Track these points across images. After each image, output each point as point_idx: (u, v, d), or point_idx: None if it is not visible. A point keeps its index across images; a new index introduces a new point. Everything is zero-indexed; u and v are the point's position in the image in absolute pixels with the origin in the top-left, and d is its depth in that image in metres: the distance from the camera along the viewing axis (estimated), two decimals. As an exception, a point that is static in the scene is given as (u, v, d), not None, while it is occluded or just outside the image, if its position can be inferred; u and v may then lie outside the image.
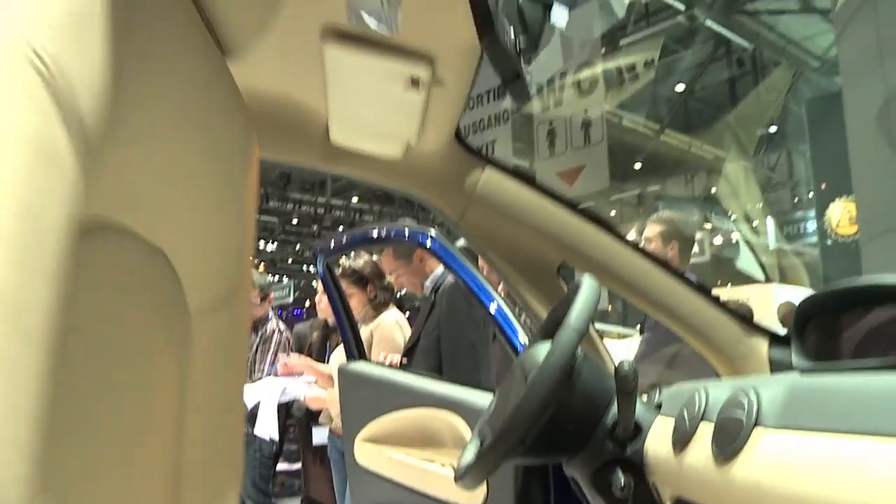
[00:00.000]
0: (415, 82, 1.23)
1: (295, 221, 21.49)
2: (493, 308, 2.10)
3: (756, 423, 0.86)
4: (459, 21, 1.08)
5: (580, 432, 1.24)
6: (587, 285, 1.24)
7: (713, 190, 18.56)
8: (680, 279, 1.70)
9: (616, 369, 1.17)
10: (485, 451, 1.19)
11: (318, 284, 4.15)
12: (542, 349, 1.27)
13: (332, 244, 2.87)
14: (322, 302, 3.98)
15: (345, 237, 2.82)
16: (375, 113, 1.40)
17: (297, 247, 24.70)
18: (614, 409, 1.24)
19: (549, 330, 1.45)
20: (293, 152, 1.59)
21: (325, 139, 1.51)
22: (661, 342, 2.95)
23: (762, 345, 1.67)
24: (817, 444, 0.75)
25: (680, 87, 15.30)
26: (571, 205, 1.68)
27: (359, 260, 3.61)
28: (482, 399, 1.95)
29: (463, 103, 1.38)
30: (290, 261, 26.81)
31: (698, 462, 0.96)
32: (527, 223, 1.66)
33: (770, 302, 13.30)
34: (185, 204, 0.69)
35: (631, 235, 4.05)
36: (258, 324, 4.59)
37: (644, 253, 1.72)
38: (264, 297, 4.66)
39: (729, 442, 0.88)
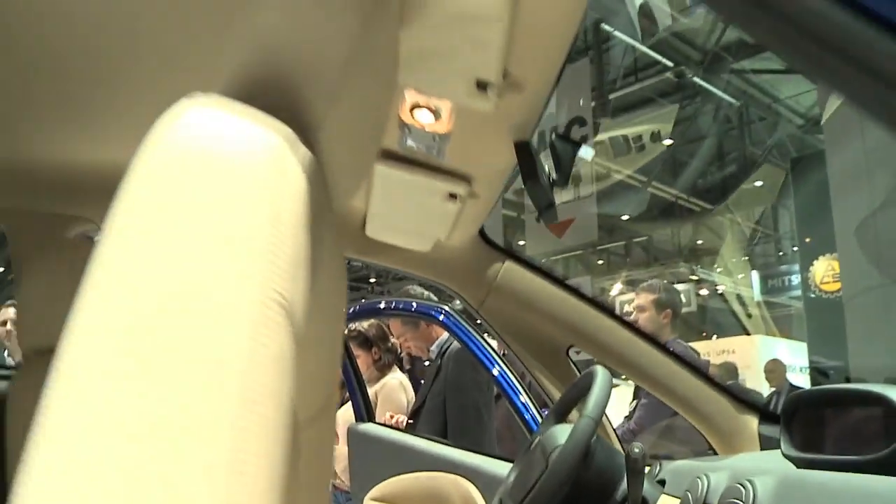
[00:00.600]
0: (452, 196, 1.40)
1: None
2: (496, 371, 2.28)
3: None
4: (498, 147, 1.26)
5: (594, 506, 1.40)
6: (601, 377, 1.40)
7: (699, 242, 18.84)
8: (677, 360, 1.86)
9: (627, 452, 1.34)
10: None
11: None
12: (561, 431, 1.43)
13: (350, 311, 3.07)
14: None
15: (357, 306, 3.01)
16: (412, 217, 1.57)
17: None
18: (623, 485, 1.39)
19: (561, 411, 1.62)
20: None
21: (361, 232, 1.68)
22: (658, 412, 3.10)
23: (753, 422, 1.83)
24: None
25: (667, 141, 15.64)
26: (579, 293, 1.86)
27: (364, 322, 3.76)
28: (494, 466, 2.10)
29: (491, 208, 1.56)
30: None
31: None
32: (540, 310, 1.83)
33: (754, 354, 13.51)
34: None
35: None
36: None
37: (644, 335, 1.89)
38: None
39: None
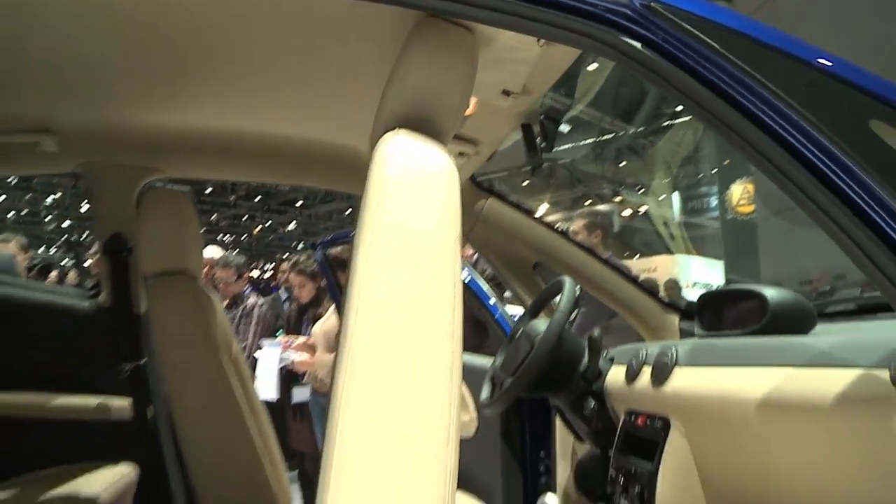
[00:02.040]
0: (461, 154, 1.93)
1: (208, 191, 21.69)
2: (465, 277, 2.83)
3: (676, 364, 1.60)
4: (503, 125, 1.78)
5: (564, 376, 1.96)
6: (569, 283, 1.96)
7: (622, 164, 19.52)
8: (617, 271, 2.43)
9: (589, 335, 1.91)
10: (510, 387, 1.90)
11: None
12: (540, 322, 1.99)
13: (329, 239, 3.61)
14: (305, 287, 4.69)
15: (333, 235, 3.56)
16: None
17: (213, 217, 24.90)
18: (584, 361, 1.96)
19: (535, 309, 2.18)
20: (341, 184, 2.30)
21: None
22: (595, 316, 3.69)
23: (675, 319, 2.42)
24: (717, 373, 1.49)
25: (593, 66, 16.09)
26: (544, 223, 2.41)
27: (338, 247, 4.26)
28: (471, 359, 2.67)
29: (484, 162, 2.09)
30: (203, 230, 27.02)
31: (644, 389, 1.69)
32: (515, 236, 2.38)
33: (675, 271, 14.37)
34: None
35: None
36: (237, 299, 5.20)
37: (592, 253, 2.45)
38: (239, 276, 5.27)
39: (661, 374, 1.62)
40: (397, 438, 0.83)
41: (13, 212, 22.64)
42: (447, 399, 0.85)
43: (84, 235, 23.98)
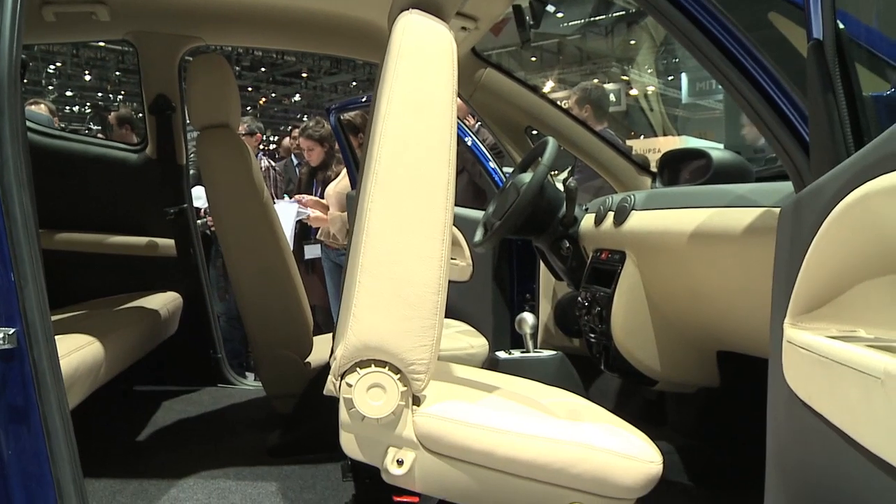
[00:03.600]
0: (463, 29, 2.25)
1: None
2: (469, 142, 3.16)
3: (633, 208, 1.97)
4: (498, 2, 2.11)
5: (545, 221, 2.33)
6: (552, 142, 2.30)
7: (632, 42, 19.33)
8: (599, 137, 2.77)
9: (566, 186, 2.27)
10: (498, 227, 2.27)
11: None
12: (526, 176, 2.35)
13: (341, 104, 3.94)
14: (314, 151, 4.99)
15: (342, 101, 3.90)
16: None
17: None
18: (562, 209, 2.33)
19: (524, 165, 2.54)
20: (360, 53, 2.63)
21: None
22: (587, 179, 4.03)
23: (647, 180, 2.78)
24: (663, 213, 1.85)
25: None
26: (536, 90, 2.74)
27: (351, 112, 4.55)
28: (465, 212, 3.04)
29: (482, 35, 2.40)
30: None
31: (608, 229, 2.06)
32: (509, 102, 2.71)
33: (676, 152, 14.48)
34: None
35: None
36: (251, 162, 5.51)
37: (577, 120, 2.78)
38: (251, 135, 5.54)
39: (621, 216, 1.99)
40: (407, 227, 1.24)
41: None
42: (444, 198, 1.25)
43: (85, 107, 23.92)
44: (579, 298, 2.21)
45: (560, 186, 2.48)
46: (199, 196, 3.43)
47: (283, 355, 2.48)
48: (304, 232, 4.93)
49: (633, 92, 19.06)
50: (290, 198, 5.04)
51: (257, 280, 2.44)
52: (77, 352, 1.80)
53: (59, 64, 21.19)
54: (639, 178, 2.78)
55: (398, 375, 1.25)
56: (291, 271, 2.51)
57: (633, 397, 2.34)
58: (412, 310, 1.24)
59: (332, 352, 1.51)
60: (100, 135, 9.51)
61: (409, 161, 1.26)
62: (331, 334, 2.32)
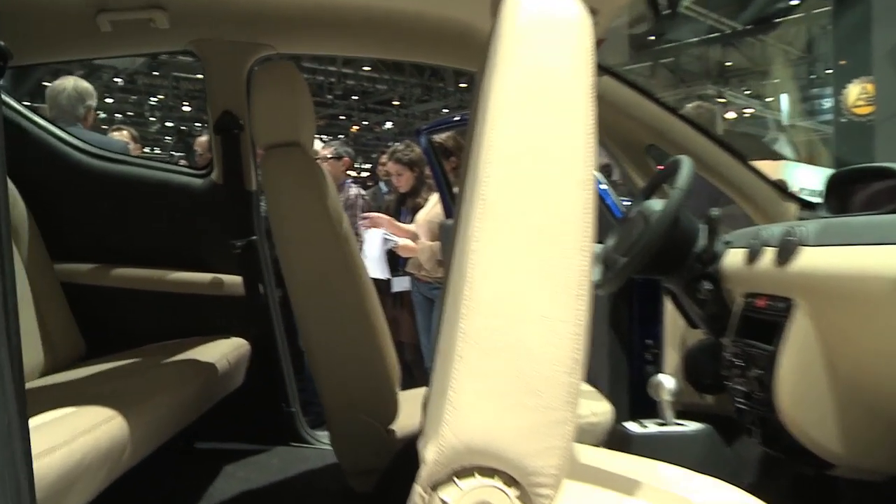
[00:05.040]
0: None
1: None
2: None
3: (803, 243, 1.53)
4: None
5: (678, 257, 1.91)
6: (687, 162, 1.88)
7: (727, 63, 18.74)
8: (740, 159, 2.33)
9: (709, 216, 1.84)
10: (624, 266, 1.86)
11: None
12: (654, 202, 1.93)
13: (431, 125, 3.57)
14: (403, 175, 4.67)
15: (439, 120, 3.51)
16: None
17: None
18: (699, 242, 1.90)
19: (650, 190, 2.12)
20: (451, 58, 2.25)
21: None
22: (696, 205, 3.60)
23: (793, 208, 2.32)
24: (848, 251, 1.41)
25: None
26: (660, 101, 2.32)
27: (442, 135, 4.22)
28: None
29: (602, 33, 2.00)
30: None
31: (766, 269, 1.63)
32: (628, 114, 2.30)
33: (778, 177, 13.84)
34: None
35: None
36: (339, 189, 5.21)
37: (712, 136, 2.35)
38: (338, 158, 5.24)
39: (785, 254, 1.55)
40: (528, 276, 0.84)
41: (119, 114, 23.23)
42: (580, 234, 0.85)
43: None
44: (727, 355, 1.78)
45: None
46: None
47: (361, 422, 2.04)
48: (392, 262, 4.62)
49: (729, 115, 18.49)
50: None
51: (329, 328, 2.04)
52: (84, 437, 1.44)
53: (160, 97, 21.81)
54: (783, 204, 2.34)
55: (515, 491, 0.84)
56: (372, 317, 2.08)
57: (792, 477, 1.88)
58: (535, 397, 0.82)
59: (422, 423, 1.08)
60: (182, 161, 9.46)
61: (529, 181, 0.86)
62: (423, 391, 1.92)
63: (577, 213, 0.84)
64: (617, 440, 1.81)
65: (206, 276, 2.59)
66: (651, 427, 1.78)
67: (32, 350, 2.27)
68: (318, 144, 5.40)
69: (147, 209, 2.63)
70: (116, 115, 22.72)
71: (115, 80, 19.06)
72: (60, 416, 1.45)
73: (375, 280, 4.60)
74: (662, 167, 2.09)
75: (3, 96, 2.59)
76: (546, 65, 0.89)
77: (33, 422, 1.42)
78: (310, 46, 2.73)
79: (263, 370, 2.62)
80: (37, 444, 1.29)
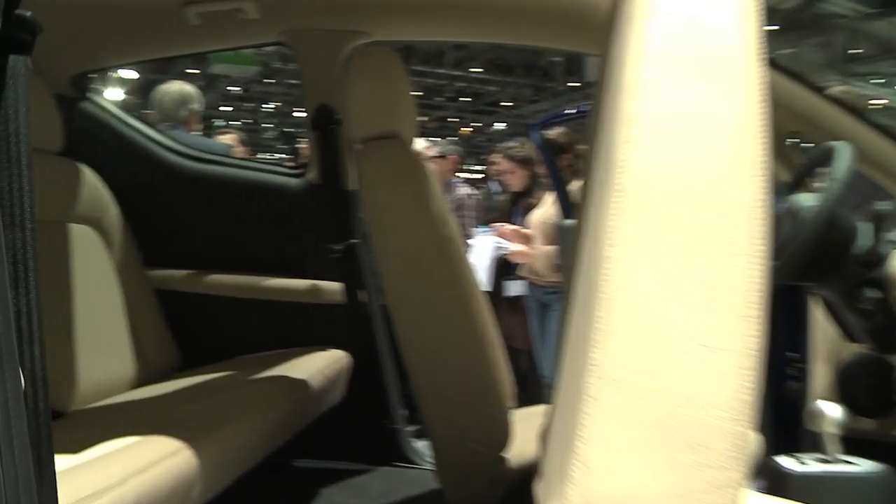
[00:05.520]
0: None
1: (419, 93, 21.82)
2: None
3: None
4: None
5: (834, 260, 1.63)
6: (845, 149, 1.60)
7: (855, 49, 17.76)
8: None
9: (874, 210, 1.56)
10: (776, 272, 1.59)
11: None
12: (804, 197, 1.66)
13: (544, 119, 3.33)
14: (515, 174, 4.47)
15: (545, 115, 3.27)
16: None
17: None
18: (860, 242, 1.62)
19: (797, 182, 1.84)
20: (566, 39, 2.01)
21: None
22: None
23: None
24: None
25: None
26: (807, 82, 2.03)
27: (554, 130, 3.99)
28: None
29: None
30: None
31: None
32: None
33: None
34: None
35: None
36: (447, 190, 5.03)
37: (869, 122, 2.05)
38: (442, 157, 5.07)
39: None
40: (682, 294, 0.61)
41: (236, 121, 23.83)
42: (752, 238, 0.61)
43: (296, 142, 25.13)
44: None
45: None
46: None
47: (469, 449, 1.81)
48: (505, 267, 4.42)
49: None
50: (489, 226, 4.53)
51: (430, 342, 1.82)
52: (140, 476, 1.27)
53: (276, 104, 22.30)
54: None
55: None
56: (480, 330, 1.85)
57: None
58: (692, 451, 0.59)
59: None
60: (288, 162, 9.47)
61: (685, 166, 0.63)
62: (541, 411, 1.69)
63: (748, 207, 0.62)
64: (769, 478, 1.54)
65: (304, 283, 2.43)
66: (812, 464, 1.50)
67: (123, 361, 2.17)
68: (422, 143, 5.25)
69: (241, 211, 2.50)
70: (232, 122, 23.35)
71: (230, 88, 19.51)
72: (119, 447, 1.29)
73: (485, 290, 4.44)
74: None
75: (96, 99, 2.55)
76: (703, 22, 0.67)
77: (86, 454, 1.28)
78: (409, 32, 2.53)
79: (365, 384, 2.43)
80: (82, 485, 1.15)
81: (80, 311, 2.05)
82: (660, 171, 0.64)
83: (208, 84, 18.49)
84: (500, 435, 1.85)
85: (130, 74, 11.07)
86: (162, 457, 1.30)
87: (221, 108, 21.28)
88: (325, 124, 2.32)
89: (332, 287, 2.41)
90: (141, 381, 2.19)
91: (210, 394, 1.92)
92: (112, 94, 13.80)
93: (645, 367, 0.61)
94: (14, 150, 0.88)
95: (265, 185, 2.48)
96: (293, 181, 2.46)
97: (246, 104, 22.67)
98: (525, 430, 1.85)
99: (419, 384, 1.85)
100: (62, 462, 1.26)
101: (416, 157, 1.85)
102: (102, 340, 2.13)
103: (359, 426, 2.45)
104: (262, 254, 2.49)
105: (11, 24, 0.89)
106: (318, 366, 2.18)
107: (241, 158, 2.71)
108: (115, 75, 14.47)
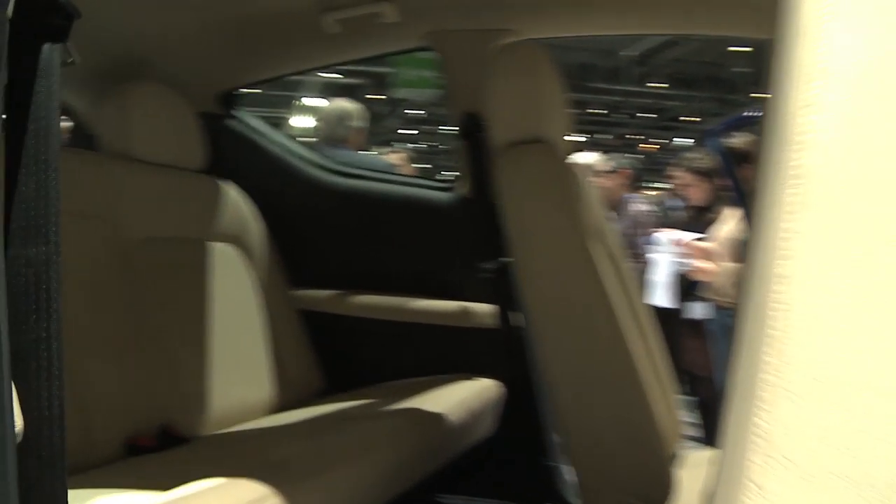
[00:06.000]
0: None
1: (600, 111, 21.45)
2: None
3: None
4: None
5: None
6: None
7: None
8: None
9: None
10: None
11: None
12: None
13: (725, 124, 3.02)
14: (696, 187, 4.16)
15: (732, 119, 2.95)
16: None
17: (596, 136, 24.62)
18: None
19: None
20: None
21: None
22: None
23: None
24: None
25: None
26: None
27: (738, 139, 3.66)
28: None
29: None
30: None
31: None
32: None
33: None
34: None
35: None
36: (619, 206, 4.76)
37: None
38: (613, 171, 4.80)
39: None
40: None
41: (422, 143, 24.29)
42: None
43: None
44: None
45: None
46: None
47: (622, 502, 1.56)
48: (687, 286, 4.11)
49: None
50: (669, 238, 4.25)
51: (577, 375, 1.58)
52: None
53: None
54: None
55: None
56: (640, 364, 1.57)
57: None
58: None
59: None
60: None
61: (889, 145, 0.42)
62: (715, 455, 1.41)
63: None
64: None
65: (453, 305, 2.23)
66: None
67: (262, 385, 2.07)
68: (593, 157, 5.02)
69: (387, 228, 2.35)
70: (418, 145, 23.86)
71: (410, 112, 19.97)
72: (199, 490, 1.13)
73: (663, 310, 4.12)
74: None
75: (242, 116, 2.50)
76: None
77: (159, 497, 1.13)
78: (560, 27, 2.29)
79: (519, 417, 2.20)
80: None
81: (219, 332, 1.97)
82: (854, 147, 0.42)
83: (391, 109, 18.97)
84: (661, 488, 1.57)
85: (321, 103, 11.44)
86: (253, 500, 1.13)
87: (402, 132, 21.78)
88: (474, 132, 2.13)
89: (484, 310, 2.21)
90: (280, 406, 2.08)
91: (332, 427, 1.77)
92: (302, 122, 14.36)
93: (832, 443, 0.39)
94: (42, 151, 0.74)
95: (413, 199, 2.32)
96: (443, 195, 2.29)
97: (426, 126, 23.12)
98: (693, 479, 1.58)
99: (566, 424, 1.62)
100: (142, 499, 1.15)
101: (565, 165, 1.63)
102: (242, 363, 2.04)
103: (512, 462, 2.23)
104: (409, 273, 2.33)
105: (42, 6, 0.76)
106: (465, 396, 1.98)
107: (391, 173, 2.55)
108: (303, 104, 15.08)
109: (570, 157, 1.74)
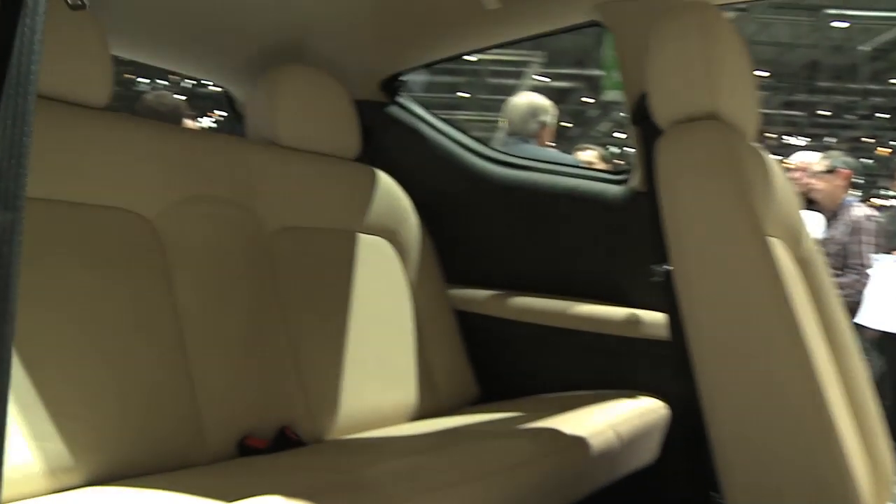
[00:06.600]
0: None
1: (827, 112, 20.06)
2: None
3: None
4: None
5: None
6: None
7: None
8: None
9: None
10: None
11: None
12: None
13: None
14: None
15: None
16: None
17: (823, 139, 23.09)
18: None
19: None
20: None
21: None
22: None
23: None
24: None
25: None
26: None
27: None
28: None
29: None
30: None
31: None
32: None
33: None
34: None
35: None
36: (838, 211, 4.28)
37: None
38: (830, 172, 4.33)
39: None
40: None
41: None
42: None
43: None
44: None
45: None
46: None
47: None
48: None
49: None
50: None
51: (743, 409, 1.30)
52: None
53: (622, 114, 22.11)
54: None
55: None
56: (830, 401, 1.23)
57: None
58: None
59: None
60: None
61: None
62: None
63: None
64: None
65: (621, 312, 1.98)
66: None
67: (408, 389, 1.94)
68: (810, 156, 4.56)
69: (551, 223, 2.15)
70: (628, 148, 23.36)
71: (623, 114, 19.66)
72: None
73: (885, 335, 3.67)
74: None
75: (406, 103, 2.37)
76: None
77: None
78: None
79: (686, 444, 1.92)
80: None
81: (360, 331, 1.85)
82: None
83: (604, 112, 18.64)
84: None
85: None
86: None
87: (616, 135, 21.43)
88: (648, 116, 1.88)
89: (654, 318, 1.94)
90: (425, 413, 1.93)
91: (469, 441, 1.56)
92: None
93: None
94: (20, 104, 0.60)
95: (580, 192, 2.10)
96: (613, 188, 2.05)
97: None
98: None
99: (723, 457, 1.35)
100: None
101: (743, 147, 1.35)
102: (383, 365, 1.90)
103: (674, 494, 1.95)
104: (573, 274, 2.12)
105: None
106: (625, 416, 1.73)
107: (561, 164, 2.33)
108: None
109: (753, 141, 1.46)
